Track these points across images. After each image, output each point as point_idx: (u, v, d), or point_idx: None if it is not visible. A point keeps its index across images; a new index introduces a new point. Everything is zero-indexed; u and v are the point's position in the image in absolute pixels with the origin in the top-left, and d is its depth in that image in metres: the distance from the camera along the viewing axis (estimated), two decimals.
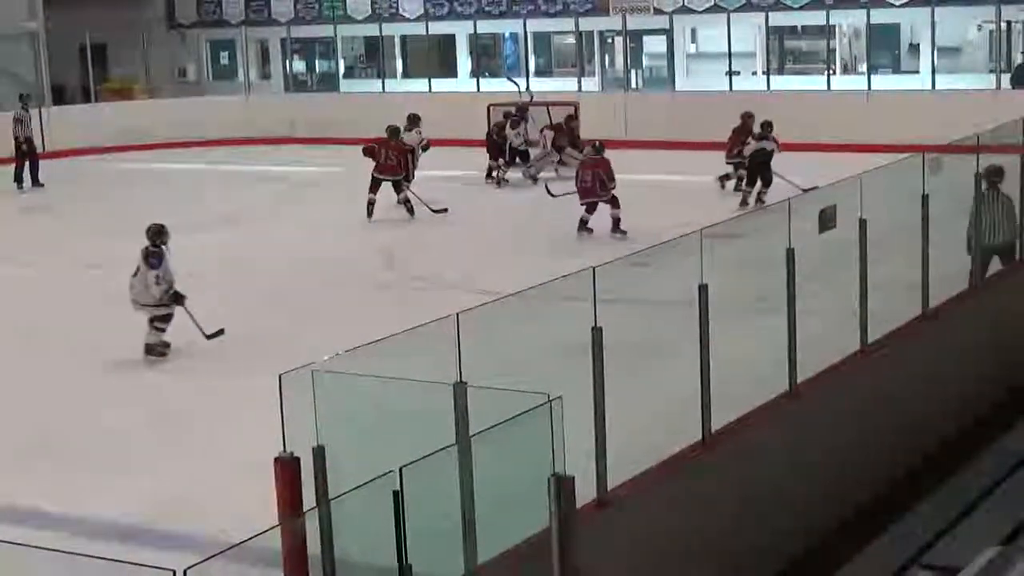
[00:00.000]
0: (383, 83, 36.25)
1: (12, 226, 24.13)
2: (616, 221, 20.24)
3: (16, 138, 28.34)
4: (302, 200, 25.67)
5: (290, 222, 23.20)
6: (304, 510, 6.74)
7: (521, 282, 8.74)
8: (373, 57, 38.66)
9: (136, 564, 5.12)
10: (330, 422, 6.85)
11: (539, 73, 35.17)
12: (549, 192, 22.27)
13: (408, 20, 35.64)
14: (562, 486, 6.89)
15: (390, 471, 6.12)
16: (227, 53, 40.21)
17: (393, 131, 23.11)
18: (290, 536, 6.39)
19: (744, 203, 22.10)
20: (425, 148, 24.63)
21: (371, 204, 22.52)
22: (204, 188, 27.86)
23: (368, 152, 22.97)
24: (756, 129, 22.60)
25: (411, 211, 22.60)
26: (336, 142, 31.68)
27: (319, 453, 6.84)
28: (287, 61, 39.00)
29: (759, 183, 22.16)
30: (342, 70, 38.40)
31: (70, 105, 35.27)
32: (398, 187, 22.79)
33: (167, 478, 11.01)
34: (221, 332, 14.65)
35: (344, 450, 6.85)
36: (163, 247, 14.67)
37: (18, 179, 28.41)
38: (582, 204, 20.58)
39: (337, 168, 28.79)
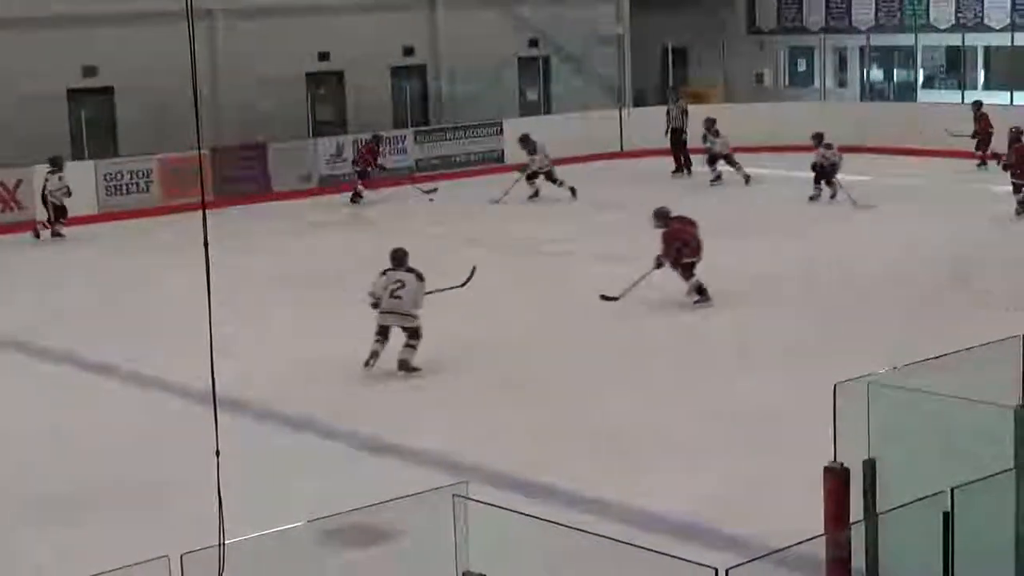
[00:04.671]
0: (963, 94, 35.23)
1: (581, 218, 25.00)
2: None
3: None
4: (871, 211, 25.21)
5: (857, 233, 23.02)
6: (850, 522, 6.73)
7: None
8: (954, 67, 37.69)
9: (680, 559, 5.29)
10: (882, 435, 6.80)
11: None
12: (608, 298, 17.23)
13: (993, 30, 34.52)
14: None
15: (941, 491, 6.02)
16: (804, 60, 40.26)
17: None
18: (834, 546, 6.40)
19: None
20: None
21: None
22: (764, 195, 27.98)
23: None
24: None
25: None
26: (911, 153, 31.13)
27: (870, 466, 6.81)
28: (865, 69, 38.62)
29: None
30: (920, 80, 37.65)
31: (647, 107, 36.32)
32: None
33: (729, 477, 11.19)
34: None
35: (893, 464, 6.79)
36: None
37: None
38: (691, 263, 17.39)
39: (915, 180, 28.29)
